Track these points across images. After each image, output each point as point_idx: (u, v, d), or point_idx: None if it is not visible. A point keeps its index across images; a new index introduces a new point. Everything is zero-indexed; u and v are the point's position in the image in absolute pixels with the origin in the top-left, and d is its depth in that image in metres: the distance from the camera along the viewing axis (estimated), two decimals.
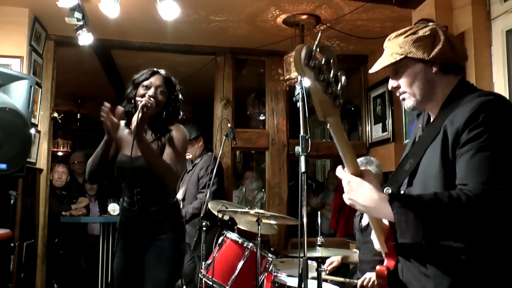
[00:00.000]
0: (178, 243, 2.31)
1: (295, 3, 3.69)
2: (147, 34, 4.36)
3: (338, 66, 1.15)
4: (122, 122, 2.31)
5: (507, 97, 2.68)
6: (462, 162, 1.21)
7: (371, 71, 1.46)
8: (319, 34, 1.22)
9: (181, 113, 2.38)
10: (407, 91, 1.41)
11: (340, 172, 1.30)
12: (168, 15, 3.26)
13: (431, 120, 1.42)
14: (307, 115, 1.93)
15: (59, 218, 4.44)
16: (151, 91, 2.21)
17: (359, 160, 2.95)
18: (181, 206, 3.83)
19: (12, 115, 2.96)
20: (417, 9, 3.32)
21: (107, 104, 2.12)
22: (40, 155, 4.11)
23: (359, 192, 1.24)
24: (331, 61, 1.14)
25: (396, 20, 3.89)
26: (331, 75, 1.13)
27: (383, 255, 1.39)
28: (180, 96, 2.36)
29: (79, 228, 4.75)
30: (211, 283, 2.77)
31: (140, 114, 2.08)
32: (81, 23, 3.44)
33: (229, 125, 3.80)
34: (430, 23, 1.41)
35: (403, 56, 1.36)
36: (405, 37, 1.37)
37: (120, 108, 2.19)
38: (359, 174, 1.26)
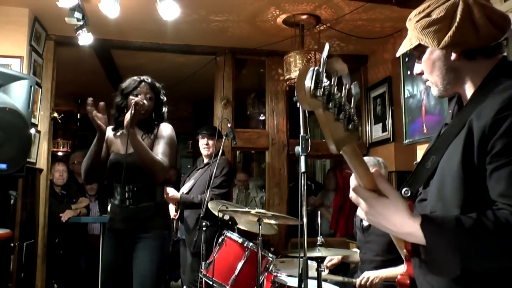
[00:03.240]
0: (164, 240, 2.45)
1: (295, 3, 3.69)
2: (147, 34, 4.36)
3: (350, 78, 0.94)
4: (109, 128, 2.53)
5: None
6: (502, 175, 1.00)
7: (397, 55, 1.31)
8: (326, 49, 0.92)
9: (166, 113, 2.58)
10: (429, 79, 1.24)
11: (356, 188, 1.05)
12: (168, 15, 3.26)
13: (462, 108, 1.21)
14: (307, 115, 1.91)
15: (59, 218, 4.44)
16: (141, 98, 2.45)
17: (366, 160, 2.90)
18: None
19: (12, 115, 2.96)
20: None
21: (90, 99, 2.31)
22: (40, 155, 4.12)
23: (382, 214, 1.03)
24: (343, 76, 0.92)
25: (396, 20, 3.89)
26: (342, 94, 0.90)
27: (403, 258, 1.23)
28: (165, 99, 2.58)
29: (79, 228, 4.74)
30: (211, 282, 2.78)
31: (133, 111, 2.28)
32: (81, 23, 3.44)
33: (229, 125, 3.79)
34: None
35: (417, 42, 1.18)
36: (417, 21, 1.17)
37: (101, 103, 2.35)
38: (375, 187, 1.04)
